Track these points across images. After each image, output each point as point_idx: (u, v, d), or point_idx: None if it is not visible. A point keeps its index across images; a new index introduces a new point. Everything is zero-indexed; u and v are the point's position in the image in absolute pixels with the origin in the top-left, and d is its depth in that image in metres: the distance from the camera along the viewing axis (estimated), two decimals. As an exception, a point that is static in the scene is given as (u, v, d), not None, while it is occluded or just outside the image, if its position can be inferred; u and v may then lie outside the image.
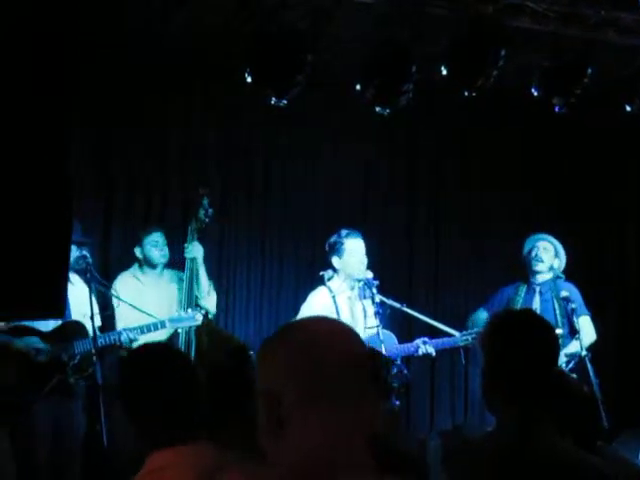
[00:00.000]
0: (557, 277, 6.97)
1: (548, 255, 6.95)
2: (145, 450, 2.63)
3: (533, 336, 2.68)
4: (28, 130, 3.19)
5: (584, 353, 6.36)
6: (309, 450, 1.76)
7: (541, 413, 2.62)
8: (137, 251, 6.53)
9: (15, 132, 3.14)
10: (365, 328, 6.27)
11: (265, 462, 2.69)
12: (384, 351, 5.83)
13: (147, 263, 6.53)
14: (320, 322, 1.91)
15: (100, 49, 6.36)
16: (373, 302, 6.17)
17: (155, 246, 6.49)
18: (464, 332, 6.45)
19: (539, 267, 6.92)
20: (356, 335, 1.88)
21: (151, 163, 7.33)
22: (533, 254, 6.93)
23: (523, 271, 7.10)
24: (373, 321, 6.15)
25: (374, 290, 6.21)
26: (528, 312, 3.39)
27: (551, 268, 6.95)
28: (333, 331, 1.85)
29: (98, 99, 6.67)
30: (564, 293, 6.73)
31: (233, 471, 2.56)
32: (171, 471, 2.57)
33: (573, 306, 6.63)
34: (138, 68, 6.87)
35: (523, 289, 6.99)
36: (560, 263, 6.98)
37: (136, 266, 6.59)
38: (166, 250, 6.54)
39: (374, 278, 6.31)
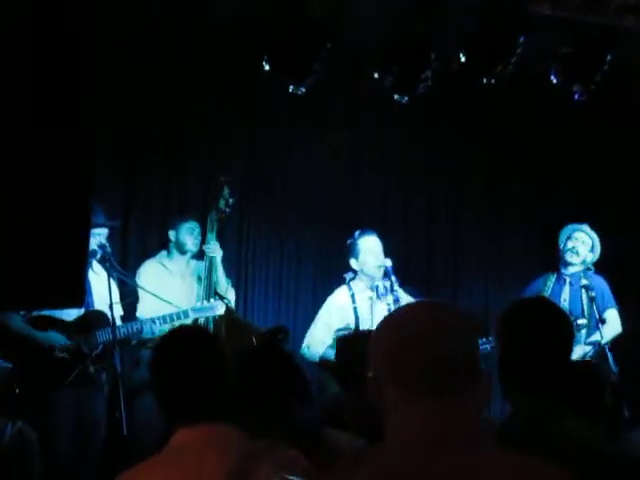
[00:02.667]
0: (587, 269, 6.90)
1: (585, 248, 6.86)
2: (171, 428, 2.66)
3: (546, 324, 2.66)
4: (50, 117, 3.19)
5: (604, 341, 6.33)
6: (404, 430, 1.78)
7: (554, 401, 2.61)
8: (171, 234, 6.55)
9: (37, 120, 3.14)
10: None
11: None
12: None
13: (178, 248, 6.54)
14: (424, 310, 1.88)
15: (119, 37, 6.34)
16: (392, 290, 6.16)
17: (190, 234, 6.52)
18: (483, 340, 6.39)
19: (574, 259, 6.84)
20: (463, 325, 1.84)
21: (171, 153, 7.33)
22: (570, 245, 6.84)
23: (546, 265, 7.06)
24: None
25: (392, 278, 6.21)
26: (542, 300, 3.37)
27: (584, 262, 6.88)
28: (435, 320, 1.83)
29: (119, 93, 6.64)
30: (584, 281, 6.70)
31: (267, 462, 2.57)
32: (192, 450, 2.58)
33: (592, 294, 6.59)
34: (160, 62, 6.85)
35: (552, 279, 6.91)
36: (594, 257, 6.90)
37: (164, 253, 6.62)
38: (199, 240, 6.54)
39: (392, 267, 6.31)
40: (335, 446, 3.38)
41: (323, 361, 6.28)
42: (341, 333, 6.31)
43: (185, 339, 2.80)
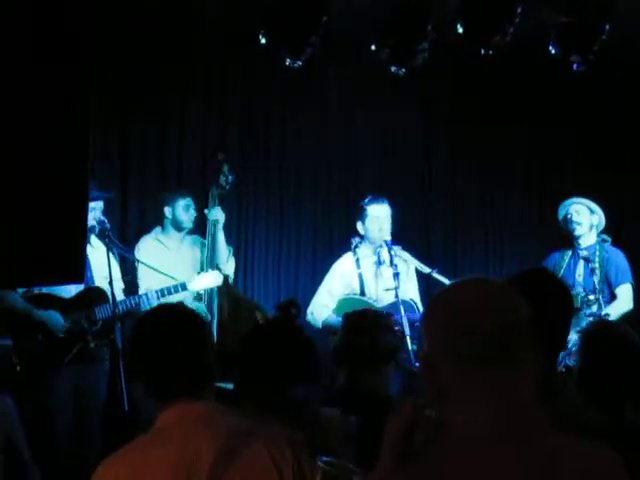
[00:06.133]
0: (603, 240, 6.81)
1: (583, 216, 6.76)
2: (156, 406, 2.66)
3: (543, 296, 2.65)
4: (47, 94, 3.17)
5: (611, 317, 6.27)
6: (474, 421, 1.75)
7: (551, 373, 2.61)
8: (166, 210, 6.50)
9: (33, 95, 3.12)
10: (384, 290, 6.29)
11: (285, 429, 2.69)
12: (403, 315, 5.84)
13: (174, 225, 6.51)
14: (475, 284, 1.87)
15: (114, 17, 6.31)
16: (391, 264, 6.18)
17: (187, 210, 6.48)
18: None
19: (578, 230, 6.74)
20: (514, 297, 1.83)
21: (168, 130, 7.33)
22: (569, 220, 6.78)
23: (551, 237, 7.05)
24: (391, 283, 6.17)
25: (392, 252, 6.22)
26: (542, 272, 3.35)
27: (592, 227, 6.78)
28: (489, 293, 1.82)
29: (115, 63, 6.62)
30: (584, 253, 6.65)
31: (258, 439, 2.57)
32: (177, 429, 2.58)
33: (593, 266, 6.55)
34: (156, 35, 6.83)
35: (569, 254, 6.84)
36: (599, 219, 6.79)
37: (158, 229, 6.58)
38: (194, 217, 6.53)
39: (392, 241, 6.33)
40: (329, 424, 3.38)
41: (326, 326, 6.36)
42: (344, 297, 6.39)
43: (165, 318, 2.78)
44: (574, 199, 6.85)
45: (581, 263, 6.76)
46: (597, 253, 6.72)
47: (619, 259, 6.75)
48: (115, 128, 7.09)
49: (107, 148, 7.00)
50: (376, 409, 3.30)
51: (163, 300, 5.92)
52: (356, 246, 6.52)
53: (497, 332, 1.74)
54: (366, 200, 6.51)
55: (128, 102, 7.09)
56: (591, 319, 6.29)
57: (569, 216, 6.80)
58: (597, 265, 6.59)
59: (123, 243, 6.35)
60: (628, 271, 6.75)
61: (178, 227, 6.52)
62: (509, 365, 1.75)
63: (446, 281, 6.25)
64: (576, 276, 6.70)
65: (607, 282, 6.68)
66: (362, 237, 6.52)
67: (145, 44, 6.84)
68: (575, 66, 6.04)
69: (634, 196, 8.14)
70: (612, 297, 6.66)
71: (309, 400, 3.27)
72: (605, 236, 6.84)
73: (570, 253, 6.85)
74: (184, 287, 6.07)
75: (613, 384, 3.07)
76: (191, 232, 6.61)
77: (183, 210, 6.48)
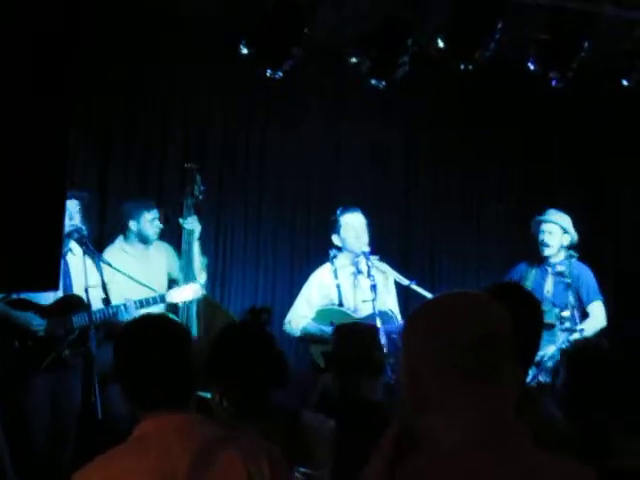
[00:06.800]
0: (570, 256, 6.79)
1: (554, 237, 6.74)
2: (135, 416, 2.66)
3: (514, 310, 2.66)
4: (26, 97, 3.16)
5: (586, 334, 6.24)
6: (457, 427, 1.77)
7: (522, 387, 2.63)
8: (131, 224, 6.40)
9: (13, 97, 3.11)
10: (362, 301, 6.31)
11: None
12: (380, 326, 5.86)
13: (139, 237, 6.42)
14: (459, 297, 1.89)
15: (101, 21, 6.30)
16: (369, 275, 6.20)
17: (151, 223, 6.40)
18: None
19: (547, 252, 6.75)
20: (496, 309, 1.85)
21: (150, 135, 7.31)
22: (540, 240, 6.76)
23: (525, 249, 7.07)
24: (368, 294, 6.19)
25: (369, 263, 6.24)
26: (513, 287, 3.35)
27: (561, 248, 6.77)
28: (470, 305, 1.84)
29: (99, 66, 6.60)
30: (559, 268, 6.63)
31: (230, 449, 2.58)
32: (156, 440, 2.58)
33: (567, 281, 6.56)
34: (140, 37, 6.83)
35: (534, 268, 6.84)
36: (571, 238, 6.78)
37: (121, 238, 6.47)
38: (159, 229, 6.47)
39: (371, 252, 6.34)
40: (311, 428, 3.40)
41: (305, 334, 6.38)
42: (322, 308, 6.41)
43: (147, 328, 2.78)
44: (548, 217, 6.84)
45: (550, 278, 6.75)
46: (567, 270, 6.71)
47: (589, 277, 6.76)
48: (95, 131, 7.05)
49: (87, 150, 6.95)
50: (371, 416, 3.36)
51: (142, 311, 5.87)
52: (334, 256, 6.55)
53: (477, 343, 1.76)
54: (338, 212, 6.55)
55: (110, 103, 7.06)
56: (567, 334, 6.34)
57: (541, 236, 6.78)
58: (569, 281, 6.60)
59: (100, 251, 6.29)
60: (597, 288, 6.76)
61: (143, 240, 6.44)
62: (489, 376, 1.78)
63: (425, 293, 6.28)
64: (544, 292, 6.67)
65: (578, 299, 6.69)
66: (340, 249, 6.54)
67: (125, 55, 6.85)
68: (554, 82, 6.08)
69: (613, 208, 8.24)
70: (583, 314, 6.65)
71: (286, 404, 3.29)
72: (572, 252, 6.83)
73: (538, 267, 6.85)
74: (163, 299, 6.03)
75: (597, 401, 3.09)
76: (159, 238, 6.56)
77: (149, 223, 6.40)
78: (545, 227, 6.78)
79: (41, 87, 3.23)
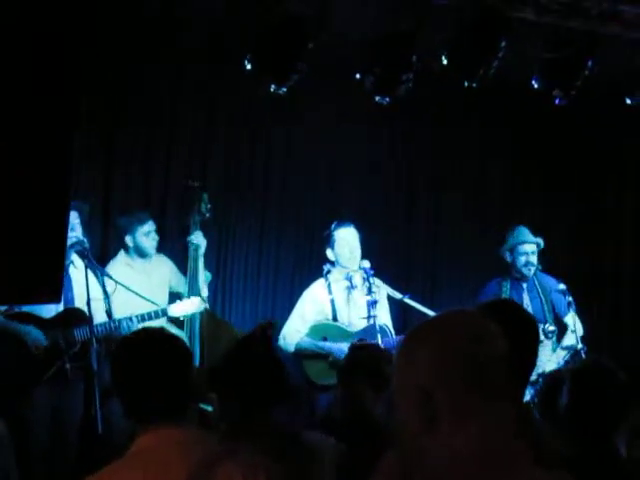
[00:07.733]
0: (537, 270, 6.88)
1: (535, 255, 6.85)
2: (134, 430, 2.66)
3: (509, 329, 2.66)
4: (33, 103, 3.15)
5: (580, 346, 6.32)
6: (464, 444, 1.77)
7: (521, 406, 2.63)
8: (128, 239, 6.39)
9: (19, 102, 3.09)
10: (359, 318, 6.30)
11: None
12: (380, 342, 5.85)
13: (137, 252, 6.42)
14: (460, 316, 1.90)
15: (105, 28, 6.30)
16: (370, 292, 6.18)
17: (148, 236, 6.39)
18: None
19: (533, 271, 6.83)
20: (497, 327, 1.87)
21: (153, 146, 7.31)
22: (523, 261, 6.80)
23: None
24: (363, 308, 6.19)
25: (371, 280, 6.22)
26: (506, 304, 3.36)
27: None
28: (476, 325, 1.85)
29: (102, 83, 6.61)
30: (561, 286, 6.64)
31: (228, 463, 2.57)
32: (155, 454, 2.57)
33: (570, 299, 6.56)
34: (145, 49, 6.82)
35: (507, 285, 6.87)
36: (541, 245, 6.90)
37: (123, 252, 6.47)
38: (156, 241, 6.46)
39: (371, 268, 6.33)
40: (312, 447, 3.39)
41: (299, 350, 6.38)
42: (316, 323, 6.41)
43: (144, 342, 2.78)
44: (526, 237, 6.86)
45: (526, 294, 6.82)
46: (537, 284, 6.81)
47: (557, 288, 6.76)
48: (99, 139, 7.02)
49: (90, 161, 6.93)
50: (374, 435, 3.37)
51: (144, 324, 5.87)
52: (328, 271, 6.54)
53: (491, 362, 1.79)
54: (332, 226, 6.56)
55: (113, 130, 7.07)
56: (566, 352, 6.37)
57: (524, 258, 6.82)
58: (543, 296, 6.67)
59: (103, 265, 6.28)
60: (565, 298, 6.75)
61: (142, 254, 6.43)
62: (496, 393, 1.79)
63: (419, 306, 6.30)
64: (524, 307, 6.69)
65: (553, 311, 6.74)
66: (333, 264, 6.54)
67: (129, 73, 6.87)
68: (557, 100, 6.10)
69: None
70: (560, 325, 6.66)
71: (291, 423, 3.29)
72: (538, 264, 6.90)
73: (509, 284, 6.88)
74: (165, 312, 6.02)
75: (605, 420, 3.10)
76: (160, 251, 6.57)
77: (144, 237, 6.39)
78: (526, 248, 6.86)
79: (42, 89, 3.22)
